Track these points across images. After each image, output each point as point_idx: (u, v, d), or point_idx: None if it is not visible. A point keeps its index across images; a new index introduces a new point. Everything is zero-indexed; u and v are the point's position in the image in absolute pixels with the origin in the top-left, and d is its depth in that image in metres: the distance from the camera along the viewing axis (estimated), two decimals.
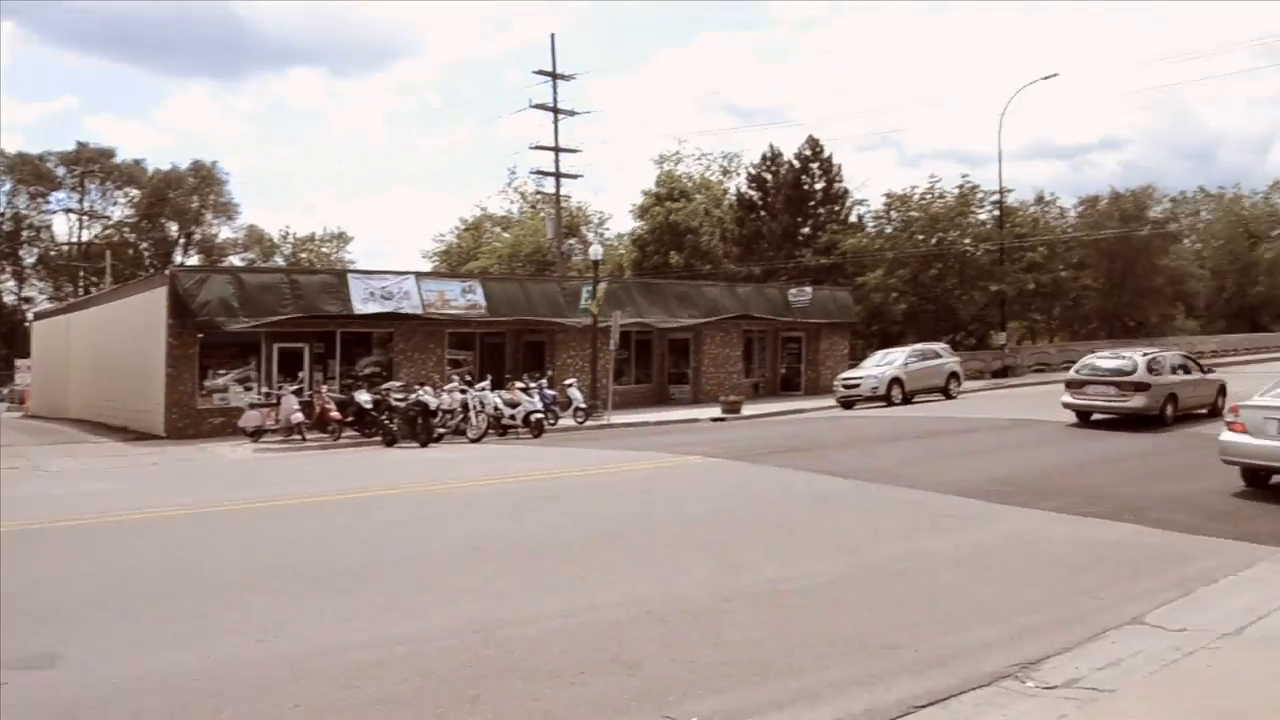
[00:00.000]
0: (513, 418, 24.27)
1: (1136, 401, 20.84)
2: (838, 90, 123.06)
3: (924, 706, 5.92)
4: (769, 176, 57.28)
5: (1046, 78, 50.58)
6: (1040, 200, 54.53)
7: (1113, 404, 21.22)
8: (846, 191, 56.83)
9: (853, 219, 54.60)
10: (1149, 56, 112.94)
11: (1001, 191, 46.68)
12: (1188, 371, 22.56)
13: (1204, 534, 10.55)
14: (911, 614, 7.73)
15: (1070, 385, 22.37)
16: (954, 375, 32.94)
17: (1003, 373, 42.85)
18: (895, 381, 30.52)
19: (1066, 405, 22.11)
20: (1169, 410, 21.27)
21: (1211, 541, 10.22)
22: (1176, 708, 5.69)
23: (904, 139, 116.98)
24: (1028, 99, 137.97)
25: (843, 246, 47.70)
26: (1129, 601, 7.99)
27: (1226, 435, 13.05)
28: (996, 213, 46.66)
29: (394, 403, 23.24)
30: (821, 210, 55.55)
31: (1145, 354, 22.27)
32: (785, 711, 5.78)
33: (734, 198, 59.77)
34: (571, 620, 7.49)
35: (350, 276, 28.81)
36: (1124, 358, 22.26)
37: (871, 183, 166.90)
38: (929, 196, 46.97)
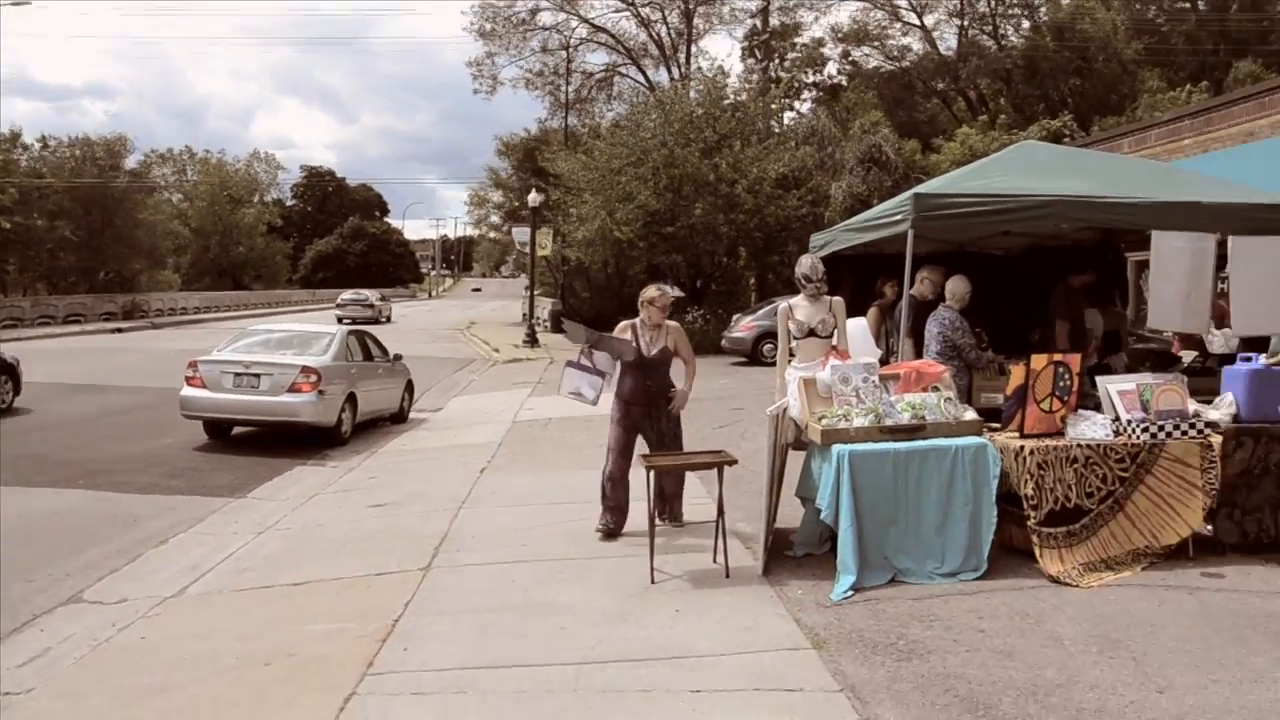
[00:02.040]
0: None
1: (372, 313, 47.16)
2: None
3: None
4: None
5: (17, 3, 45.75)
6: (16, 138, 49.51)
7: (363, 315, 44.12)
8: None
9: None
10: (139, 7, 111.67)
11: None
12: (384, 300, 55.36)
13: (161, 493, 10.38)
14: None
15: (339, 305, 49.93)
16: None
17: None
18: None
19: (339, 317, 42.17)
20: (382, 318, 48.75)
21: (167, 500, 10.08)
22: (97, 696, 5.22)
23: None
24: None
25: None
26: (69, 578, 7.37)
27: (186, 390, 13.10)
28: None
29: None
30: None
31: (374, 293, 55.00)
32: None
33: None
34: None
35: None
36: (363, 294, 53.13)
37: None
38: None
